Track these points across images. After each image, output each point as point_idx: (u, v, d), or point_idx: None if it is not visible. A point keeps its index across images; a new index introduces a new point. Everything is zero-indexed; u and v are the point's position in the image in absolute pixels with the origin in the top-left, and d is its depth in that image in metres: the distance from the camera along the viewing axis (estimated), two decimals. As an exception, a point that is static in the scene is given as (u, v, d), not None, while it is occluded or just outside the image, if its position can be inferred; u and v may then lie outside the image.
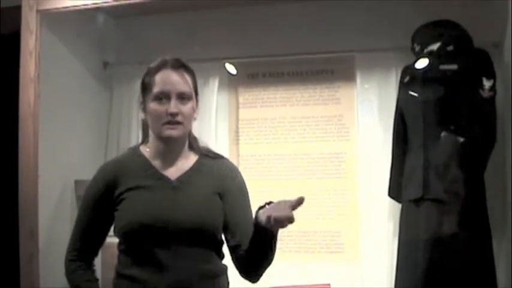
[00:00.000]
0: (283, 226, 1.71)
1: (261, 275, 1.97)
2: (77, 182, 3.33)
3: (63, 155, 3.27)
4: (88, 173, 2.95)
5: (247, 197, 2.05)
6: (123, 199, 1.94)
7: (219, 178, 2.00)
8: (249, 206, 2.03)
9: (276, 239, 1.85)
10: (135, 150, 2.05)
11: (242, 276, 1.99)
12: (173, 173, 1.97)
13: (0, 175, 3.41)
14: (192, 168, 1.99)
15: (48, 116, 3.05)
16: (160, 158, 1.99)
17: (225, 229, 1.98)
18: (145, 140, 2.05)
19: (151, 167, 1.97)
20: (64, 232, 3.10)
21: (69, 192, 3.34)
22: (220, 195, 1.98)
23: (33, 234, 2.90)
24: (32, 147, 2.94)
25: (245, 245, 1.90)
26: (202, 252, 1.91)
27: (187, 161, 2.01)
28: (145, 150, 2.01)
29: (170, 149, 1.98)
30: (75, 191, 3.32)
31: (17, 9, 3.10)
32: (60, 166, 3.24)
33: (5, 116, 3.21)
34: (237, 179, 2.05)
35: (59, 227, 3.18)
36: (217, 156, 2.08)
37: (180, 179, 1.96)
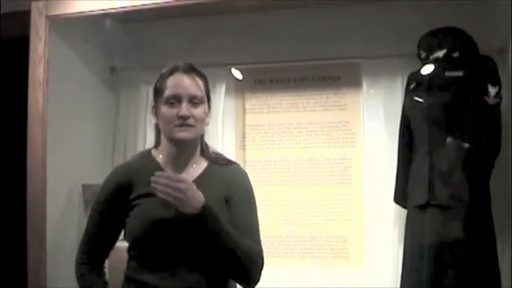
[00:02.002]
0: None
1: (245, 275, 1.90)
2: (84, 186, 3.35)
3: (71, 160, 3.28)
4: (95, 177, 2.98)
5: (253, 203, 2.02)
6: (134, 205, 1.93)
7: (227, 183, 1.98)
8: (254, 213, 2.01)
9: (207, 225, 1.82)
10: (148, 154, 2.04)
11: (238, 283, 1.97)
12: None
13: (8, 179, 3.44)
14: (202, 175, 1.97)
15: (56, 120, 3.06)
16: (171, 163, 1.97)
17: None
18: (157, 144, 2.04)
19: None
20: (72, 236, 3.13)
21: (77, 196, 3.36)
22: (227, 200, 1.96)
23: (41, 238, 2.90)
24: (40, 151, 2.94)
25: None
26: (212, 258, 1.88)
27: (198, 167, 2.00)
28: (158, 156, 2.00)
29: (182, 154, 1.97)
30: (83, 195, 3.34)
31: (19, 14, 3.13)
32: (67, 170, 3.25)
33: (13, 120, 3.23)
34: (244, 184, 2.03)
35: (67, 231, 3.21)
36: (228, 163, 2.07)
37: None
